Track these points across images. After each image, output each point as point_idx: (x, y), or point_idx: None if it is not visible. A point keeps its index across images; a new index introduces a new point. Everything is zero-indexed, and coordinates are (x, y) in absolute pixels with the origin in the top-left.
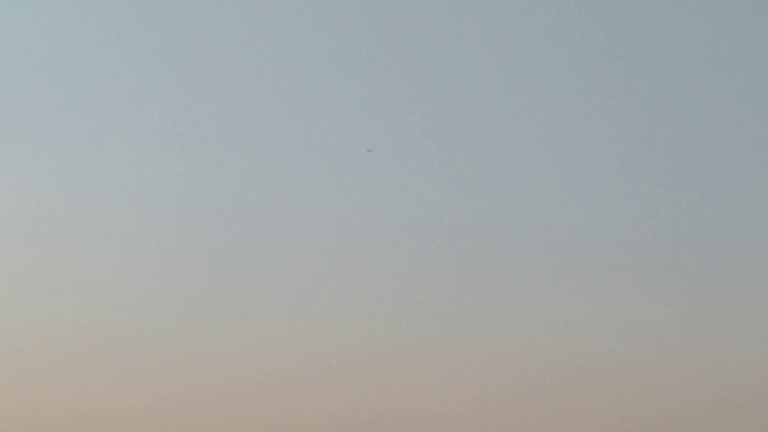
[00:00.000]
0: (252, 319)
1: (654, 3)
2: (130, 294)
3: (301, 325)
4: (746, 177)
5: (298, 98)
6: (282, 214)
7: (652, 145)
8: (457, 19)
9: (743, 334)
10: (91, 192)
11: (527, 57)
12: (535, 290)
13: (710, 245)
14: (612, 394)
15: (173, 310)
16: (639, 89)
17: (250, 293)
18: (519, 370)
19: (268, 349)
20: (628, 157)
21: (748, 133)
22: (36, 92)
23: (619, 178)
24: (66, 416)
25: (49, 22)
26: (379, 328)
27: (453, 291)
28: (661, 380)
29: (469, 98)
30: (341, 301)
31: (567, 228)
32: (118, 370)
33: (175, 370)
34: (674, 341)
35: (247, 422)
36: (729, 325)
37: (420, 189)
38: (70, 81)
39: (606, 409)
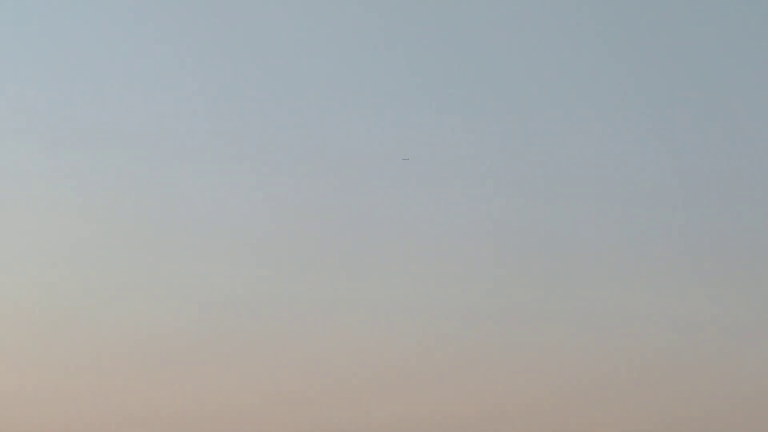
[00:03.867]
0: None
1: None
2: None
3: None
4: None
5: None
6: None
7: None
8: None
9: None
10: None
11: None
12: (564, 288)
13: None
14: (645, 392)
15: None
16: (662, 84)
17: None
18: (545, 369)
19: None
20: (679, 152)
21: None
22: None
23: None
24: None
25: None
26: (417, 328)
27: (483, 291)
28: (701, 378)
29: (489, 101)
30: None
31: (601, 227)
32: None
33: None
34: (715, 339)
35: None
36: None
37: (434, 191)
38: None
39: (641, 406)
